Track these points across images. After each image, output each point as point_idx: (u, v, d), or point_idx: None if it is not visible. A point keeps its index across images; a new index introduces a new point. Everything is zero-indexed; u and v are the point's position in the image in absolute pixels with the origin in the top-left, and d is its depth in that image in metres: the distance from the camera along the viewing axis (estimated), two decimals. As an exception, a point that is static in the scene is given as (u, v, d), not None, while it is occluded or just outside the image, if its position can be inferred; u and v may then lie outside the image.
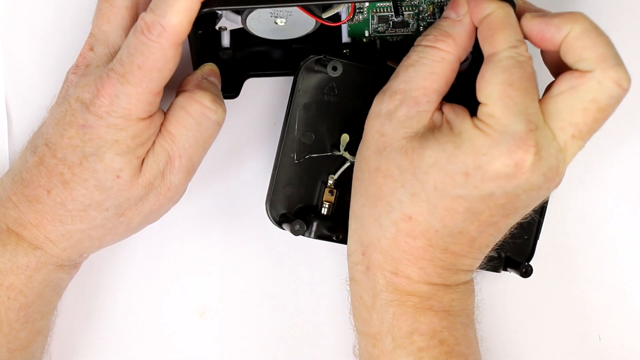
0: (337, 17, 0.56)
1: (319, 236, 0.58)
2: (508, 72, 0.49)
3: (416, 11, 0.58)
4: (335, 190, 0.59)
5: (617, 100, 0.51)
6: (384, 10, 0.57)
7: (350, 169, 0.57)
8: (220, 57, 0.57)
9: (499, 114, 0.49)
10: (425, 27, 0.58)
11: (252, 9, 0.52)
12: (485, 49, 0.51)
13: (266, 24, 0.53)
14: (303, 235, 0.57)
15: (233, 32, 0.57)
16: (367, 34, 0.58)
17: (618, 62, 0.50)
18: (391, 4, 0.57)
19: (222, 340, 0.62)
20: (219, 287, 0.62)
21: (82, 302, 0.61)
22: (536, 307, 0.65)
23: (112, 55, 0.52)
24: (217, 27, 0.56)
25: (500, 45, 0.50)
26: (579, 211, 0.64)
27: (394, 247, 0.52)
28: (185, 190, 0.55)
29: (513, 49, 0.50)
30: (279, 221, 0.58)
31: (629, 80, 0.50)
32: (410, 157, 0.51)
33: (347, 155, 0.58)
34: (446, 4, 0.57)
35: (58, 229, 0.53)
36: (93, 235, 0.54)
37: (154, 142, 0.52)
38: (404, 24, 0.58)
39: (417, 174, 0.50)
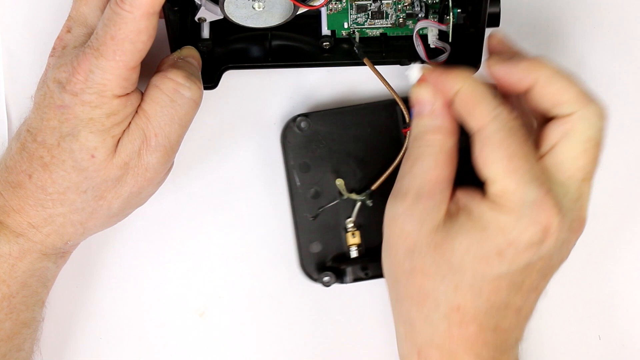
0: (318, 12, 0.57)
1: (355, 279, 0.59)
2: (504, 145, 0.50)
3: (394, 1, 0.58)
4: (357, 232, 0.60)
5: (605, 131, 0.52)
6: (362, -2, 0.58)
7: (364, 207, 0.59)
8: (200, 49, 0.58)
9: (512, 189, 0.49)
10: (405, 19, 0.59)
11: (230, -7, 0.52)
12: (470, 126, 0.51)
13: (244, 8, 0.53)
14: (341, 283, 0.59)
15: (212, 25, 0.58)
16: (346, 26, 0.59)
17: (592, 96, 0.52)
18: (369, -7, 0.58)
19: (222, 340, 0.61)
20: (219, 287, 0.61)
21: (82, 301, 0.61)
22: (536, 307, 0.63)
23: (89, 36, 0.53)
24: (196, 19, 0.56)
25: (482, 120, 0.50)
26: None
27: (448, 340, 0.52)
28: (165, 172, 0.55)
29: (497, 119, 0.50)
30: (317, 278, 0.60)
31: (606, 108, 0.52)
32: (441, 251, 0.51)
33: (354, 196, 0.59)
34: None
35: (40, 213, 0.53)
36: (75, 220, 0.54)
37: (129, 122, 0.53)
38: (383, 14, 0.58)
39: (453, 266, 0.51)
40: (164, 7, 0.53)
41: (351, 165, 0.60)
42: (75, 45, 0.53)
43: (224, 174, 0.61)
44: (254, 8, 0.53)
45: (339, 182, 0.59)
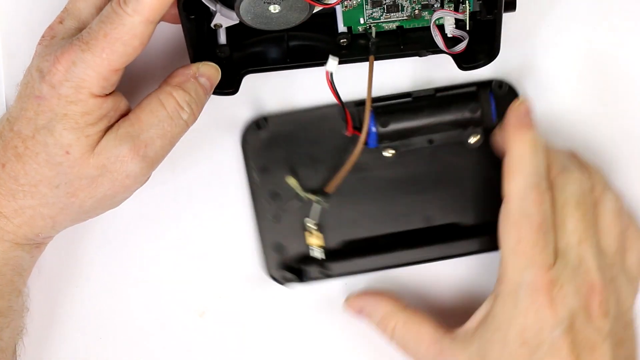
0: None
1: (314, 279, 0.60)
2: (517, 226, 0.54)
3: (409, -7, 0.58)
4: (317, 232, 0.60)
5: (583, 191, 0.55)
6: (377, -7, 0.58)
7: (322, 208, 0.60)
8: (218, 55, 0.58)
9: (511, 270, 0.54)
10: (420, 10, 0.58)
11: (244, -3, 0.52)
12: (503, 187, 0.56)
13: (260, 12, 0.53)
14: (302, 282, 0.60)
15: (229, 30, 0.58)
16: (362, 22, 0.58)
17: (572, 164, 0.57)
18: (384, -15, 0.57)
19: (222, 340, 0.61)
20: (219, 287, 0.61)
21: (81, 301, 0.61)
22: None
23: (80, 30, 0.53)
24: (212, 25, 0.56)
25: (510, 191, 0.55)
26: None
27: None
28: (143, 183, 0.55)
29: (523, 199, 0.54)
30: (277, 278, 0.60)
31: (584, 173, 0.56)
32: None
33: (311, 197, 0.60)
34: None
35: (11, 203, 0.53)
36: (45, 214, 0.54)
37: (118, 125, 0.53)
38: (398, 7, 0.58)
39: None
40: (180, 15, 0.53)
41: (311, 167, 0.60)
42: (63, 37, 0.53)
43: (229, 178, 0.62)
44: (269, 11, 0.53)
45: (292, 181, 0.59)
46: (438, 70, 0.61)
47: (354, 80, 0.60)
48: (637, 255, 0.58)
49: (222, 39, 0.58)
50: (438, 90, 0.60)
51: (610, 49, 0.61)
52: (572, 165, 0.57)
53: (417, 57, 0.59)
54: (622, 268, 0.56)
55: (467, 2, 0.57)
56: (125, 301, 0.61)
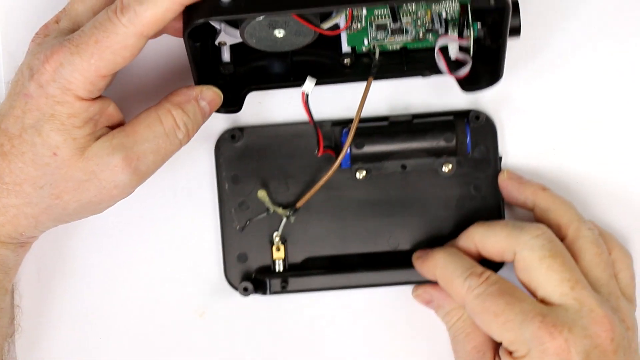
0: (336, 27, 0.56)
1: (274, 292, 0.60)
2: (486, 310, 0.54)
3: (414, 17, 0.58)
4: (282, 246, 0.61)
5: (551, 241, 0.55)
6: (381, 18, 0.58)
7: (290, 222, 0.60)
8: (222, 72, 0.58)
9: (512, 339, 0.53)
10: (425, 33, 0.58)
11: (250, 21, 0.52)
12: (456, 302, 0.58)
13: (265, 36, 0.53)
14: (263, 294, 0.60)
15: (233, 47, 0.58)
16: (366, 43, 0.58)
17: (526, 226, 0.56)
18: (388, 11, 0.57)
19: (222, 340, 0.62)
20: (219, 287, 0.62)
21: (82, 302, 0.62)
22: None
23: (73, 32, 0.53)
24: (216, 43, 0.56)
25: (460, 296, 0.55)
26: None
27: None
28: (127, 196, 0.55)
29: (470, 290, 0.54)
30: (237, 287, 0.60)
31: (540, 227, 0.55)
32: None
33: (280, 211, 0.60)
34: (441, 7, 0.57)
35: None
36: (28, 213, 0.53)
37: (113, 134, 0.53)
38: (403, 31, 0.58)
39: None
40: (185, 44, 0.53)
41: (282, 182, 0.61)
42: (56, 36, 0.53)
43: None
44: (274, 35, 0.53)
45: (262, 194, 0.60)
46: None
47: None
48: (629, 274, 0.58)
49: (226, 56, 0.58)
50: (415, 116, 0.60)
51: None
52: (521, 223, 0.57)
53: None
54: (619, 293, 0.56)
55: (471, 28, 0.57)
56: (125, 301, 0.61)
